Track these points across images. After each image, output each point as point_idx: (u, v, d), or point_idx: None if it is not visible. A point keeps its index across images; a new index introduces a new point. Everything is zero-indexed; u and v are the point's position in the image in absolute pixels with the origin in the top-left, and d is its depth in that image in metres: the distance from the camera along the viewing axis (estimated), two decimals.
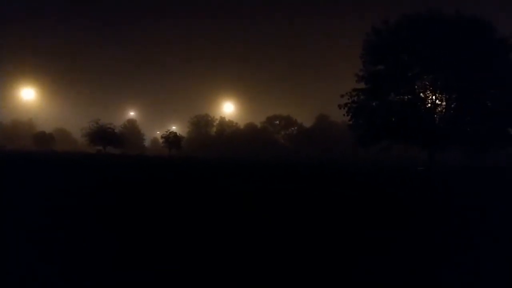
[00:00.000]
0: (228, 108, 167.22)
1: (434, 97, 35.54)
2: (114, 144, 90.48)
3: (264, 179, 18.46)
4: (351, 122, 38.98)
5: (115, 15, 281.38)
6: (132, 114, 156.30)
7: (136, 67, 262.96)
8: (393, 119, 36.48)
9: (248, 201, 9.93)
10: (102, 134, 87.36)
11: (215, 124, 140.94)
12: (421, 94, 36.18)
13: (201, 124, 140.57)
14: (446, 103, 35.41)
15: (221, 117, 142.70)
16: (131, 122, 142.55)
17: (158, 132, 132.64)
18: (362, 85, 37.76)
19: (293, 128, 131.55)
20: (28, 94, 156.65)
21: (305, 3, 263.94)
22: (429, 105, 35.78)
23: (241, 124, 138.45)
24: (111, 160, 39.09)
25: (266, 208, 8.90)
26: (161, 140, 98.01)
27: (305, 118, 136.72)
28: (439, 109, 35.54)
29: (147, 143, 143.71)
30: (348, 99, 37.98)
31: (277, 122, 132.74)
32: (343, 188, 14.83)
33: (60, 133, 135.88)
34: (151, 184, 13.93)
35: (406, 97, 36.44)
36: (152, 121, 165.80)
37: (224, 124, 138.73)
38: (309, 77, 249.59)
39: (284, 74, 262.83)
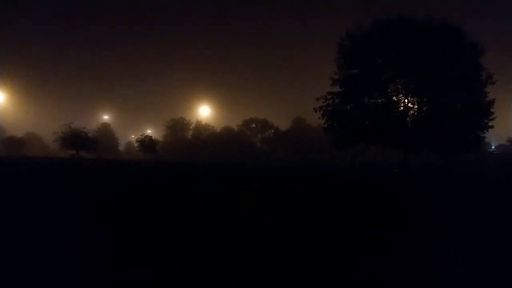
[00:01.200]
0: (204, 111, 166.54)
1: (406, 100, 36.28)
2: (88, 148, 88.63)
3: (242, 181, 18.44)
4: (326, 125, 39.40)
5: (89, 17, 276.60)
6: (106, 117, 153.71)
7: (110, 70, 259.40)
8: (368, 122, 37.03)
9: (222, 203, 9.89)
10: (75, 138, 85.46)
11: (191, 127, 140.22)
12: (394, 97, 36.87)
13: (177, 127, 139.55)
14: (417, 106, 36.21)
15: (197, 120, 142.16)
16: (105, 125, 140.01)
17: (133, 136, 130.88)
18: (337, 89, 38.24)
19: (269, 131, 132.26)
20: None
21: (282, 7, 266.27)
22: (402, 108, 36.52)
23: (218, 127, 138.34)
24: (84, 165, 38.24)
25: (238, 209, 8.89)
26: (136, 144, 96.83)
27: (282, 121, 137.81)
28: (411, 112, 36.32)
29: (121, 147, 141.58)
30: (323, 102, 38.37)
31: (254, 125, 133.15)
32: (317, 189, 14.96)
33: (31, 137, 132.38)
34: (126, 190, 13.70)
35: (379, 100, 37.03)
36: (126, 124, 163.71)
37: (200, 128, 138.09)
38: (285, 80, 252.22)
39: (260, 77, 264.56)
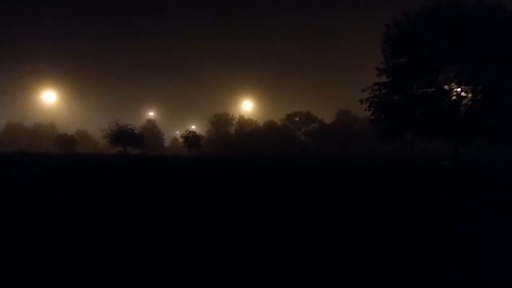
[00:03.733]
0: (247, 106, 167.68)
1: (459, 89, 34.36)
2: (134, 144, 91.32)
3: (290, 176, 17.97)
4: (373, 117, 38.31)
5: (135, 17, 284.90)
6: (151, 114, 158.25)
7: (155, 68, 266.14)
8: (416, 113, 35.51)
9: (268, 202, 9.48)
10: (122, 135, 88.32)
11: (234, 122, 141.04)
12: (445, 86, 35.04)
13: (220, 123, 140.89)
14: (472, 95, 34.20)
15: (240, 115, 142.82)
16: (151, 122, 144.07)
17: (177, 132, 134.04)
18: (383, 79, 37.01)
19: (313, 125, 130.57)
20: (49, 97, 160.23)
21: None
22: (454, 97, 34.63)
23: (261, 121, 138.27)
24: (131, 161, 39.23)
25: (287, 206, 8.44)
26: (180, 140, 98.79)
27: (326, 114, 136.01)
28: (465, 102, 34.36)
29: (166, 143, 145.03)
30: (370, 93, 37.32)
31: (297, 119, 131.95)
32: (363, 183, 14.24)
33: (81, 135, 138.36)
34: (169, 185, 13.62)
35: (429, 89, 35.36)
36: (171, 121, 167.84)
37: (243, 122, 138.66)
38: (328, 73, 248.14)
39: (303, 70, 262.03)
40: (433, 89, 35.08)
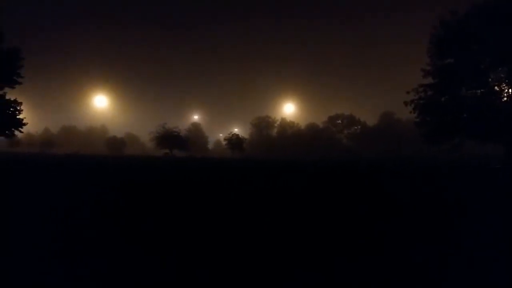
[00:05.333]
0: (288, 109, 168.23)
1: (511, 90, 33.16)
2: (180, 147, 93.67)
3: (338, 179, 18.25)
4: (418, 119, 37.70)
5: (180, 22, 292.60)
6: (195, 117, 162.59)
7: (200, 72, 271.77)
8: (465, 115, 34.56)
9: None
10: (168, 138, 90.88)
11: (276, 125, 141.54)
12: (496, 87, 33.93)
13: (262, 125, 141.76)
14: None
15: (282, 118, 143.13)
16: (195, 125, 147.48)
17: (220, 135, 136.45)
18: (429, 80, 36.38)
19: (356, 127, 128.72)
20: (100, 102, 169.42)
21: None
22: (505, 98, 33.46)
23: (302, 124, 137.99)
24: (179, 162, 40.66)
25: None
26: (224, 142, 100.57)
27: (368, 116, 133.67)
28: None
29: (210, 145, 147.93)
30: (415, 95, 36.79)
31: (339, 121, 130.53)
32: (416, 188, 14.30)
33: (129, 137, 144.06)
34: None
35: (479, 91, 34.35)
36: (214, 123, 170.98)
37: (285, 125, 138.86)
38: (370, 75, 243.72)
39: (345, 72, 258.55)
40: (482, 90, 34.07)
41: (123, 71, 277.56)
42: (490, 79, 33.99)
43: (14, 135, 40.51)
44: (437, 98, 36.17)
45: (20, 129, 39.57)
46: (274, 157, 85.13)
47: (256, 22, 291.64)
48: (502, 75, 33.36)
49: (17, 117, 38.72)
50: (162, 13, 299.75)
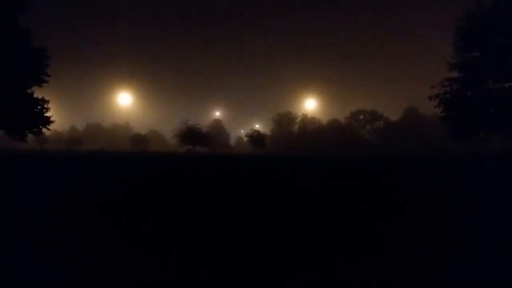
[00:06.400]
0: (310, 105, 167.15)
1: None
2: (202, 143, 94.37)
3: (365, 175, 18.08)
4: (443, 114, 36.96)
5: (201, 18, 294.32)
6: (217, 114, 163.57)
7: (221, 69, 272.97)
8: (493, 109, 33.65)
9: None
10: (191, 134, 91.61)
11: (297, 121, 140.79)
12: None
13: (284, 121, 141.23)
14: None
15: (303, 114, 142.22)
16: (217, 121, 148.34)
17: (242, 131, 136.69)
18: (455, 74, 35.61)
19: (379, 122, 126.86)
20: (125, 99, 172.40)
21: None
22: None
23: (324, 120, 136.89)
24: (202, 159, 41.02)
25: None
26: (245, 139, 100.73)
27: (391, 111, 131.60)
28: None
29: (231, 141, 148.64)
30: (440, 89, 36.07)
31: (362, 117, 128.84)
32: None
33: (153, 134, 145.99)
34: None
35: (506, 84, 33.41)
36: (236, 120, 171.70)
37: (307, 121, 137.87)
38: (393, 69, 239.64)
39: (367, 67, 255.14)
40: (510, 83, 33.15)
41: (146, 69, 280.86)
42: None
43: (41, 132, 41.46)
44: (463, 92, 35.38)
45: (47, 126, 40.50)
46: (297, 154, 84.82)
47: (277, 17, 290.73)
48: None
49: (45, 115, 39.64)
50: (184, 10, 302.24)
